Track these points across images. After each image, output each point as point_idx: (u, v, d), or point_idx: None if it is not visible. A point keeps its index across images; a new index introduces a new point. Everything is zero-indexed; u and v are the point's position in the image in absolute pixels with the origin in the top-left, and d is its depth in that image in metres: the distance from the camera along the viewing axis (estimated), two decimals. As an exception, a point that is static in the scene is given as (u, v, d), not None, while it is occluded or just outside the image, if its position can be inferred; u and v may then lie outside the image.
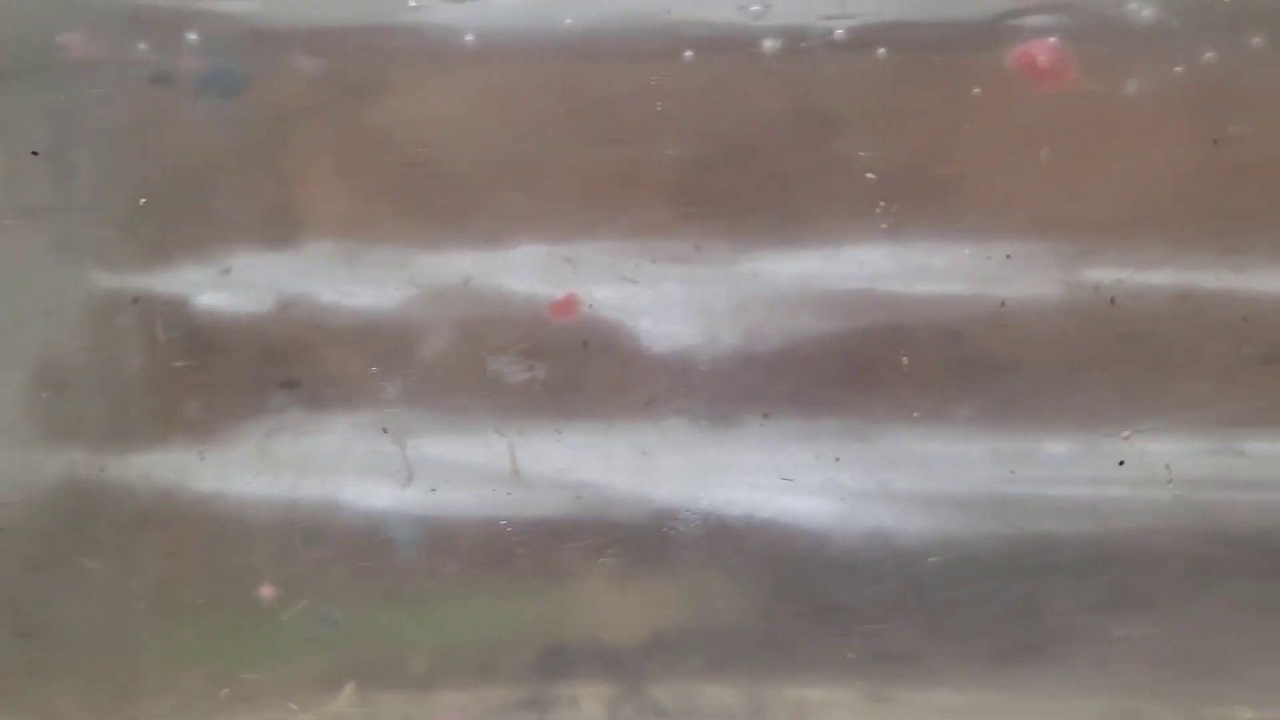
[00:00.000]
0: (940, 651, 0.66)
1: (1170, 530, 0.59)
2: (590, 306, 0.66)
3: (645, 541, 0.69)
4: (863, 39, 0.64)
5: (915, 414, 0.59)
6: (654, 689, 0.75)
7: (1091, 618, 0.60)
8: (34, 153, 0.67)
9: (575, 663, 0.75)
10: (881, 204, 0.59)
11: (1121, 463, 0.59)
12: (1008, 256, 0.58)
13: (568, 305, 0.67)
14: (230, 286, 0.69)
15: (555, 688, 0.77)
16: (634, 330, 0.66)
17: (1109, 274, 0.58)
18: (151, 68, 0.67)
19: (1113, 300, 0.58)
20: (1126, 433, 0.58)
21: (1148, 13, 0.63)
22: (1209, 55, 0.63)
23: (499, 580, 0.72)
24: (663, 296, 0.66)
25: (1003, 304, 0.58)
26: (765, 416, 0.64)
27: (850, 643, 0.67)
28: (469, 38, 0.65)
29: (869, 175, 0.58)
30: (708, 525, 0.67)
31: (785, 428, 0.65)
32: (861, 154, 0.59)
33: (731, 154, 0.64)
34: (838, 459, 0.64)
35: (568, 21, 0.63)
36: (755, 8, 0.63)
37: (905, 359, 0.60)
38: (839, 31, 0.64)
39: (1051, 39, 0.63)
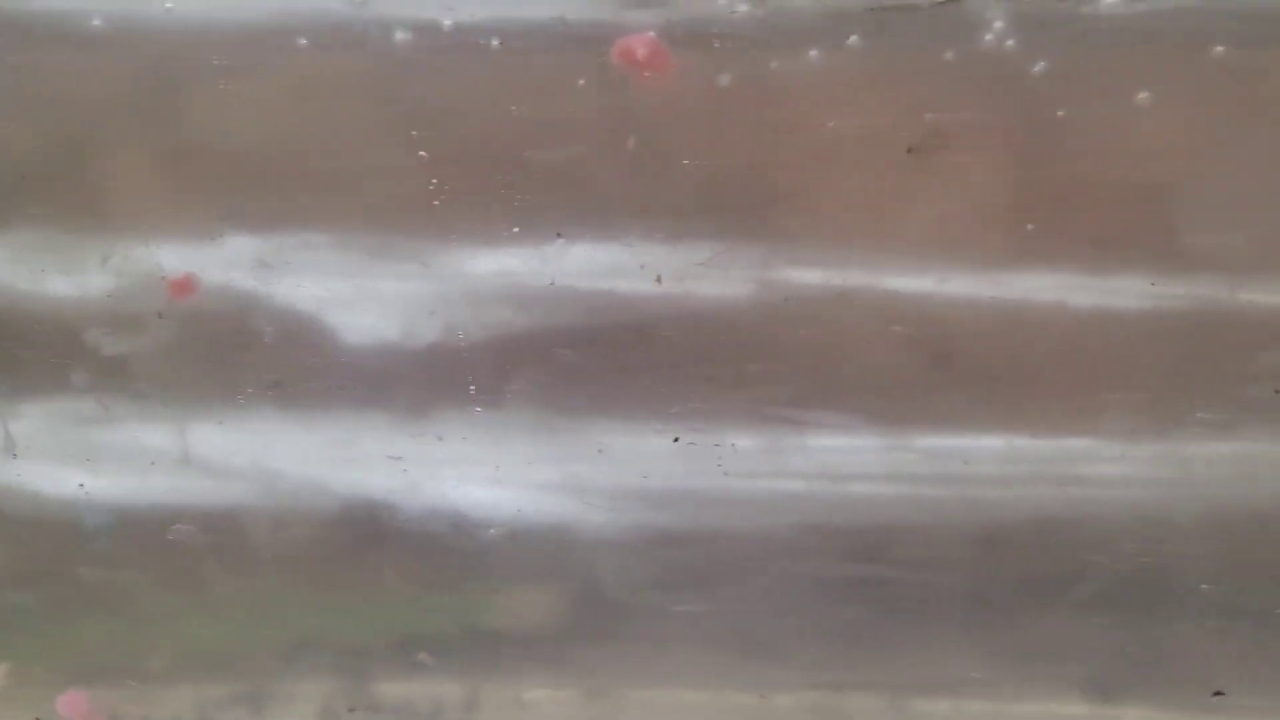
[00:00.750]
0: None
1: (732, 512, 0.60)
2: (213, 288, 0.67)
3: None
4: (482, 31, 0.65)
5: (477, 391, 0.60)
6: (371, 685, 0.75)
7: (652, 595, 0.61)
8: None
9: (290, 659, 0.75)
10: (434, 179, 0.60)
11: (676, 439, 0.60)
12: (559, 235, 0.59)
13: (186, 285, 0.68)
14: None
15: (273, 684, 0.77)
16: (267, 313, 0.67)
17: (659, 256, 0.60)
18: None
19: (659, 279, 0.59)
20: (675, 408, 0.59)
21: (744, 9, 0.64)
22: (812, 53, 0.65)
23: (196, 569, 0.73)
24: (306, 285, 0.67)
25: (552, 283, 0.60)
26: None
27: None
28: (95, 22, 0.67)
29: (421, 153, 0.60)
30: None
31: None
32: (421, 133, 0.61)
33: (337, 144, 0.65)
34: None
35: (168, 5, 0.64)
36: (358, -4, 0.64)
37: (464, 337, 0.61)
38: (447, 23, 0.65)
39: (650, 33, 0.64)
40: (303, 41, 0.65)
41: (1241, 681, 0.62)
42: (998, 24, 0.64)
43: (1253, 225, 0.60)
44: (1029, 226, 0.61)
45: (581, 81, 0.64)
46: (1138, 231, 0.60)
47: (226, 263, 0.67)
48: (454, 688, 0.73)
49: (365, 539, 0.65)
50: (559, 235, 0.60)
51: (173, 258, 0.67)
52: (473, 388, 0.61)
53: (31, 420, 0.70)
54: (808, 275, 0.60)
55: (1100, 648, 0.62)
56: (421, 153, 0.60)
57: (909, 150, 0.59)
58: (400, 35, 0.65)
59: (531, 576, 0.63)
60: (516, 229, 0.60)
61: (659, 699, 0.69)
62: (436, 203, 0.60)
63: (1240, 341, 0.59)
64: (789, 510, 0.61)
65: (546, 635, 0.64)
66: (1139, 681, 0.63)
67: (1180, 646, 0.62)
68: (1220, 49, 0.63)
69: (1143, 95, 0.64)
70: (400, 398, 0.64)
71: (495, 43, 0.65)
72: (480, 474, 0.63)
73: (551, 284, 0.60)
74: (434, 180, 0.60)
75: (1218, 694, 0.62)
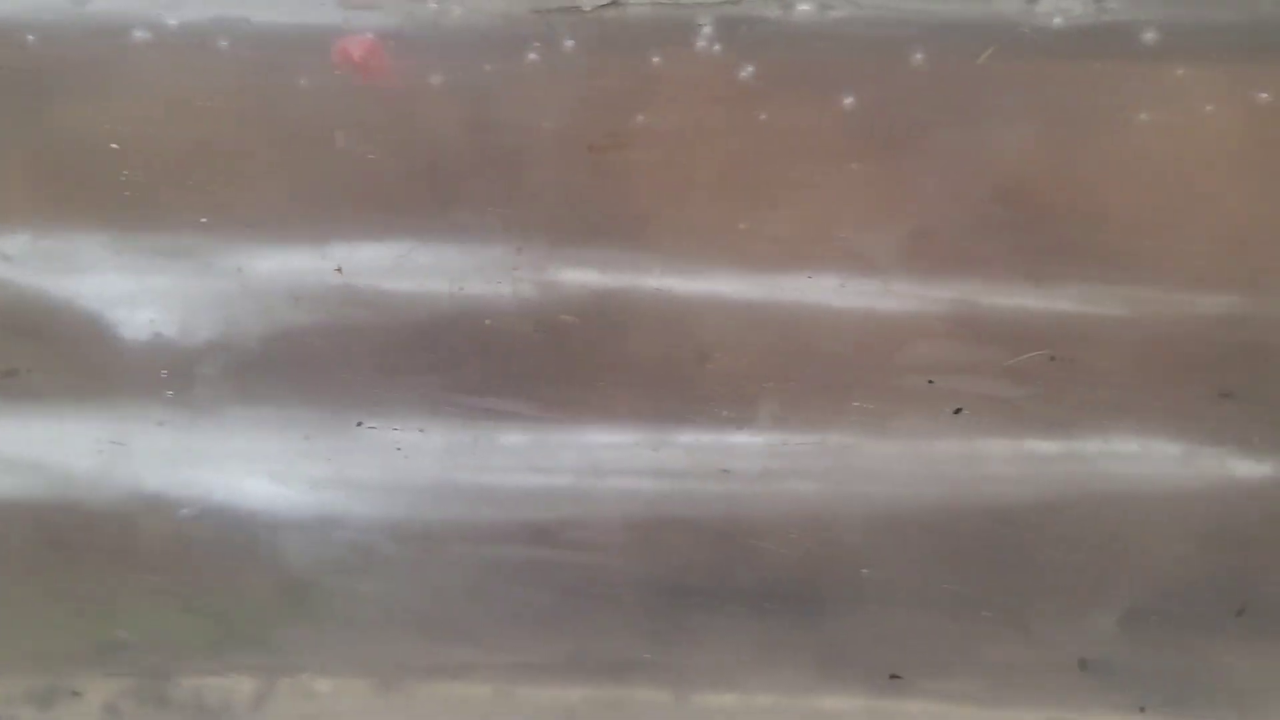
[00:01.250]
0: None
1: (412, 496, 0.62)
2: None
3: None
4: (209, 31, 0.67)
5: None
6: (163, 682, 0.76)
7: (336, 577, 0.63)
8: None
9: (80, 657, 0.76)
10: (126, 170, 0.62)
11: (359, 423, 0.62)
12: (248, 226, 0.62)
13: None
14: None
15: (62, 681, 0.77)
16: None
17: (347, 250, 0.62)
18: None
19: (339, 269, 0.61)
20: (358, 396, 0.62)
21: (457, 12, 0.66)
22: (531, 56, 0.67)
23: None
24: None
25: (240, 270, 0.62)
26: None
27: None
28: None
29: (112, 146, 0.62)
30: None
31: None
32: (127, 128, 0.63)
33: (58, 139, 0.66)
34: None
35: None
36: (83, -3, 0.66)
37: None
38: (172, 22, 0.67)
39: (368, 35, 0.66)
40: (30, 38, 0.67)
41: (917, 665, 0.64)
42: (706, 29, 0.66)
43: (909, 224, 0.62)
44: (719, 224, 0.64)
45: (303, 81, 0.66)
46: (812, 229, 0.62)
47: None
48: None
49: (72, 526, 0.67)
50: (248, 226, 0.62)
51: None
52: (164, 373, 0.63)
53: None
54: (485, 271, 0.62)
55: (779, 635, 0.64)
56: (113, 145, 0.62)
57: (589, 149, 0.62)
58: (138, 33, 0.67)
59: (224, 558, 0.65)
60: (205, 220, 0.62)
61: (449, 693, 0.70)
62: (128, 194, 0.62)
63: (895, 333, 0.62)
64: (466, 496, 0.63)
65: (238, 616, 0.66)
66: (823, 669, 0.65)
67: (858, 633, 0.64)
68: (920, 56, 0.66)
69: (849, 101, 0.67)
70: (114, 386, 0.65)
71: (224, 43, 0.67)
72: (181, 460, 0.65)
73: (239, 271, 0.62)
74: (125, 172, 0.62)
75: (895, 677, 0.64)
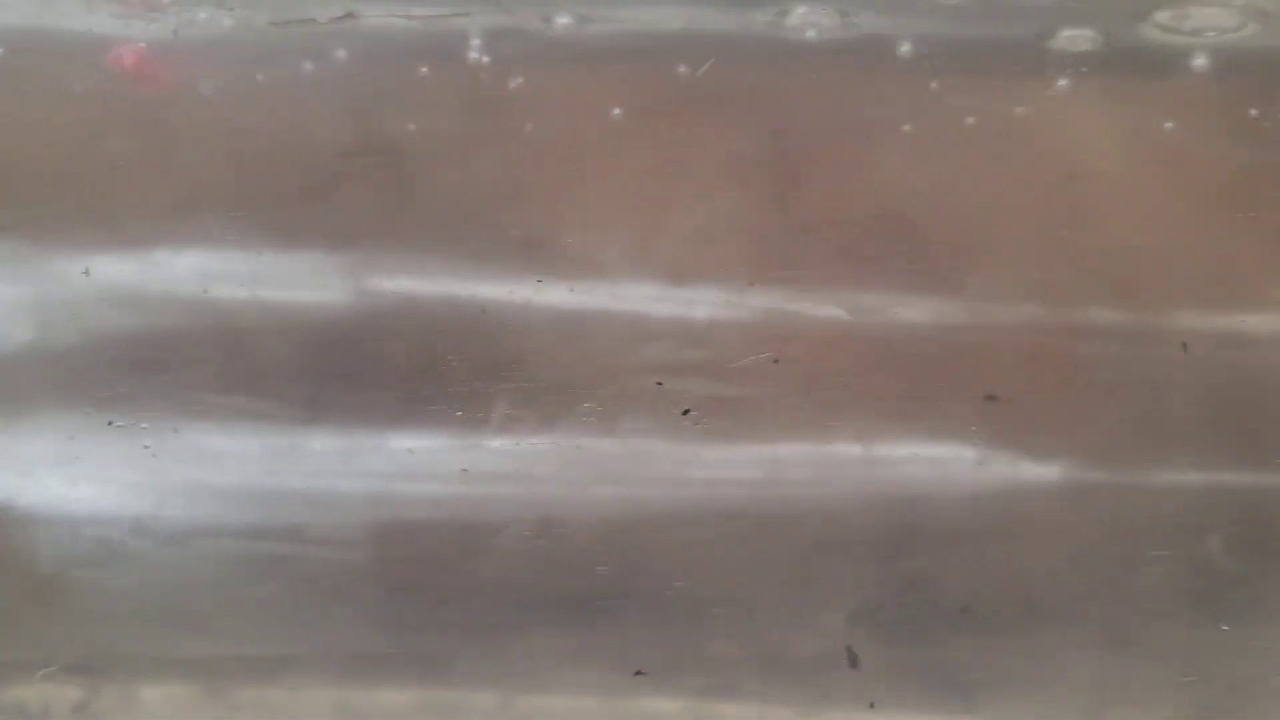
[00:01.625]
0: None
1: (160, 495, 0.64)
2: None
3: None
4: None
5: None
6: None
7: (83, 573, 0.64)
8: None
9: None
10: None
11: (110, 423, 0.64)
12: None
13: None
14: None
15: None
16: None
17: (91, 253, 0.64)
18: None
19: (87, 272, 0.63)
20: (105, 393, 0.64)
21: (229, 23, 0.68)
22: (342, 54, 0.68)
23: None
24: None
25: (86, 272, 0.64)
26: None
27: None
28: None
29: None
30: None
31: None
32: None
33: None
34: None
35: None
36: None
37: None
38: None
39: (141, 44, 0.68)
40: None
41: (659, 661, 0.66)
42: (475, 41, 0.68)
43: (638, 229, 0.64)
44: (457, 229, 0.66)
45: (78, 88, 0.68)
46: (545, 235, 0.64)
47: None
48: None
49: None
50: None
51: None
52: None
53: None
54: (232, 274, 0.64)
55: (521, 631, 0.66)
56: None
57: (338, 156, 0.64)
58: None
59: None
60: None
61: (278, 699, 0.71)
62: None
63: (623, 336, 0.64)
64: (215, 494, 0.65)
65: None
66: (562, 665, 0.66)
67: (599, 630, 0.65)
68: (683, 69, 0.68)
69: (616, 112, 0.69)
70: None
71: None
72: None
73: (86, 273, 0.64)
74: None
75: (639, 674, 0.66)
